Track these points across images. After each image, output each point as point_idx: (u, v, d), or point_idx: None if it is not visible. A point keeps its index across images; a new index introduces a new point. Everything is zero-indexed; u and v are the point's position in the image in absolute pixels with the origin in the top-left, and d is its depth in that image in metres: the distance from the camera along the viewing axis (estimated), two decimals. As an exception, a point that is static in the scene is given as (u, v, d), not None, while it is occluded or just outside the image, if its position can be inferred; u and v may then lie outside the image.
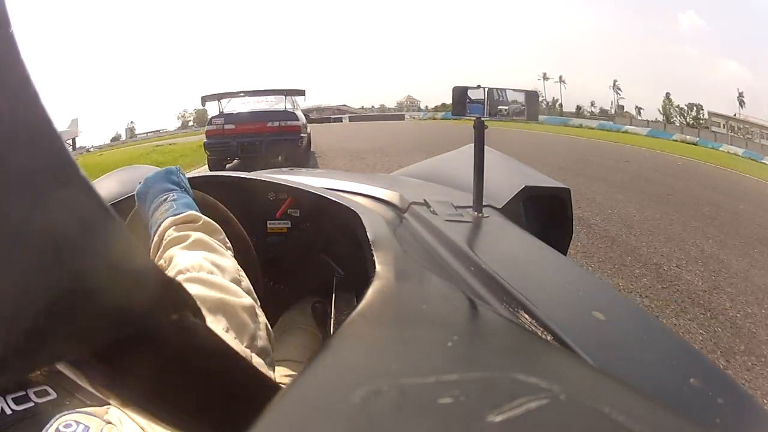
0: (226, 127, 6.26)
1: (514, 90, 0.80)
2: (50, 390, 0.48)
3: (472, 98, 0.77)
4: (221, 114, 6.60)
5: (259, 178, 0.84)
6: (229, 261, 0.47)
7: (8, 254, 0.12)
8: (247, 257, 0.64)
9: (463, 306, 0.38)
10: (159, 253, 0.48)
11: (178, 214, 0.52)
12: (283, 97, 6.89)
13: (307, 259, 0.85)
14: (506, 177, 1.02)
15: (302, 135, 6.43)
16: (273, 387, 0.20)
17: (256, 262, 0.69)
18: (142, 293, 0.14)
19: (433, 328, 0.29)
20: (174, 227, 0.50)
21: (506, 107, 0.79)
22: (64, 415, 0.35)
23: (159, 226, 0.51)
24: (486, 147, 0.80)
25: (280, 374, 0.67)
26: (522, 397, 0.17)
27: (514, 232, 0.78)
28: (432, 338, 0.26)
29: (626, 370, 0.36)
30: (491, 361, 0.24)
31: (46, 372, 0.46)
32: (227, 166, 6.45)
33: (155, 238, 0.51)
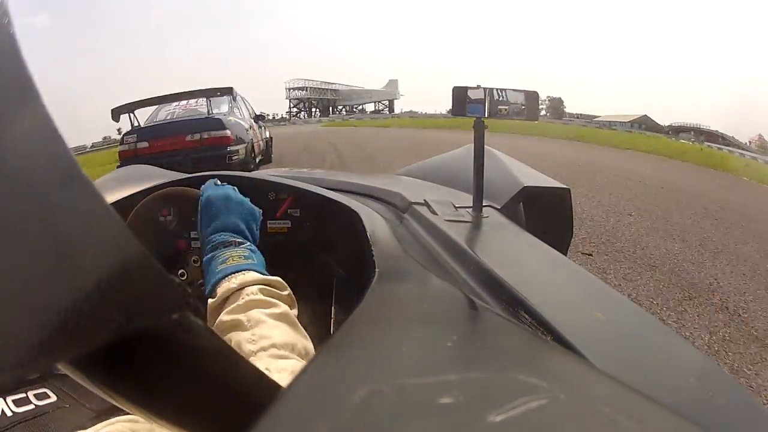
0: (139, 145, 4.76)
1: (514, 90, 0.80)
2: (50, 393, 0.48)
3: (472, 98, 0.77)
4: (134, 129, 4.92)
5: (259, 178, 0.85)
6: (309, 344, 0.45)
7: (8, 254, 0.12)
8: None
9: (463, 306, 0.38)
10: (235, 305, 0.46)
11: (263, 273, 0.50)
12: (207, 101, 5.03)
13: (307, 258, 0.85)
14: (506, 177, 1.02)
15: (233, 148, 4.88)
16: (273, 387, 0.20)
17: None
18: (142, 293, 0.14)
19: (433, 328, 0.29)
20: (260, 287, 0.47)
21: (506, 107, 0.79)
22: None
23: (237, 272, 0.49)
24: (486, 147, 0.80)
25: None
26: (522, 397, 0.17)
27: (514, 232, 0.78)
28: (432, 338, 0.26)
29: (626, 370, 0.36)
30: (491, 361, 0.24)
31: (45, 374, 0.46)
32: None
33: (225, 282, 0.48)
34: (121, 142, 5.06)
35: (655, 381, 0.36)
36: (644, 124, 31.78)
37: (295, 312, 0.49)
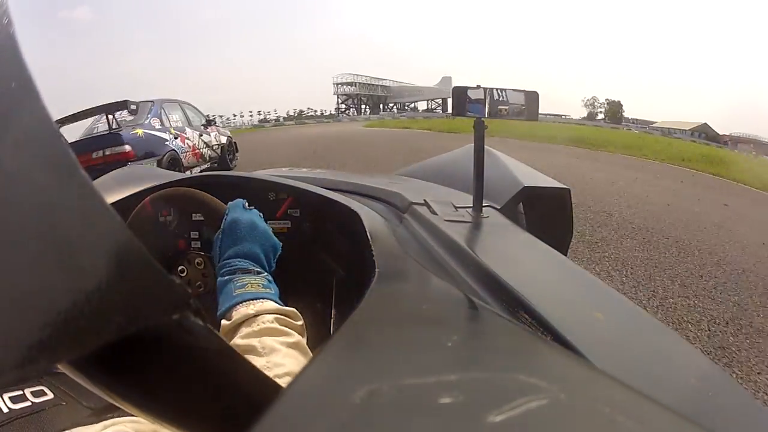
0: None
1: (514, 90, 0.80)
2: (47, 390, 0.48)
3: (472, 98, 0.78)
4: None
5: (259, 178, 0.85)
6: None
7: (8, 254, 0.12)
8: None
9: (463, 306, 0.38)
10: (250, 330, 0.46)
11: (280, 304, 0.51)
12: (106, 117, 4.60)
13: (307, 258, 0.85)
14: (506, 177, 1.02)
15: (136, 163, 4.60)
16: (273, 387, 0.20)
17: None
18: (142, 293, 0.14)
19: (433, 328, 0.29)
20: (275, 316, 0.49)
21: (506, 107, 0.79)
22: None
23: (255, 299, 0.50)
24: (486, 147, 0.80)
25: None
26: (522, 397, 0.17)
27: (514, 232, 0.78)
28: (432, 338, 0.26)
29: (626, 370, 0.36)
30: (491, 361, 0.24)
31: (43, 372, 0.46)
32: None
33: (242, 307, 0.49)
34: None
35: (655, 381, 0.36)
36: (704, 132, 29.68)
37: (305, 339, 0.50)
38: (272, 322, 0.48)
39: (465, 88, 0.77)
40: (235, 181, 0.83)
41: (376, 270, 0.42)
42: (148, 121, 5.22)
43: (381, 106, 49.33)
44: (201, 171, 5.62)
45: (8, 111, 0.13)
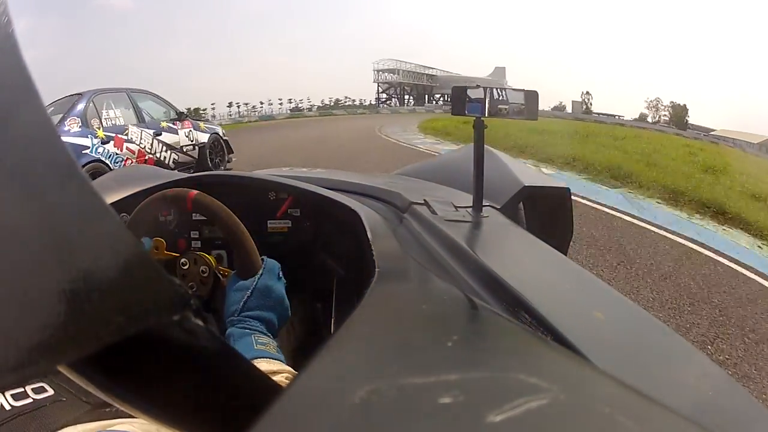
0: None
1: (513, 89, 0.80)
2: (47, 387, 0.48)
3: (472, 97, 0.78)
4: None
5: (259, 178, 0.85)
6: None
7: (7, 255, 0.12)
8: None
9: (463, 306, 0.38)
10: None
11: (283, 362, 0.53)
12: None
13: (307, 258, 0.85)
14: (506, 177, 1.02)
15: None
16: (273, 387, 0.20)
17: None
18: (142, 294, 0.14)
19: (433, 328, 0.29)
20: (286, 375, 0.50)
21: (506, 107, 0.79)
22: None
23: (273, 359, 0.52)
24: (486, 147, 0.80)
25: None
26: (522, 397, 0.17)
27: (514, 232, 0.78)
28: (432, 338, 0.26)
29: (626, 370, 0.36)
30: (491, 361, 0.24)
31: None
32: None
33: (263, 362, 0.51)
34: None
35: (655, 381, 0.36)
36: None
37: None
38: (285, 381, 0.49)
39: (464, 88, 0.77)
40: (236, 180, 0.83)
41: (376, 270, 0.42)
42: (63, 123, 4.16)
43: (426, 96, 43.27)
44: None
45: (7, 111, 0.13)
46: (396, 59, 43.13)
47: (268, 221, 0.85)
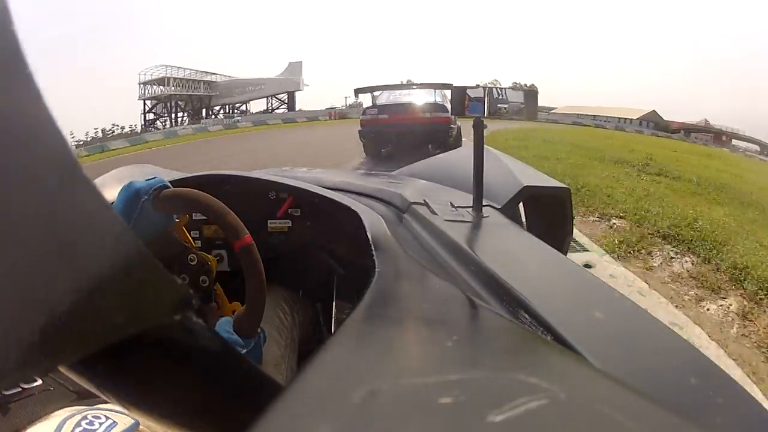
0: (380, 117, 6.71)
1: (513, 89, 0.81)
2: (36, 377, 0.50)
3: (472, 97, 0.78)
4: (374, 105, 6.95)
5: (260, 177, 0.84)
6: None
7: (9, 255, 0.12)
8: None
9: (463, 306, 0.38)
10: None
11: None
12: (433, 91, 6.48)
13: (307, 258, 0.85)
14: (506, 177, 1.02)
15: (452, 126, 6.44)
16: (273, 387, 0.20)
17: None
18: (144, 293, 0.14)
19: (433, 328, 0.29)
20: None
21: (506, 106, 0.79)
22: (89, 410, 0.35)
23: None
24: (486, 147, 0.80)
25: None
26: (522, 397, 0.17)
27: (514, 232, 0.78)
28: (432, 338, 0.26)
29: (626, 370, 0.36)
30: (491, 361, 0.24)
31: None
32: (383, 151, 6.88)
33: None
34: (363, 113, 7.02)
35: (655, 381, 0.36)
36: (652, 121, 25.47)
37: None
38: None
39: (464, 88, 0.77)
40: (236, 180, 0.83)
41: (376, 270, 0.42)
42: (443, 98, 6.00)
43: (204, 110, 30.72)
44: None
45: (10, 111, 0.13)
46: (167, 65, 29.60)
47: (269, 221, 0.85)
